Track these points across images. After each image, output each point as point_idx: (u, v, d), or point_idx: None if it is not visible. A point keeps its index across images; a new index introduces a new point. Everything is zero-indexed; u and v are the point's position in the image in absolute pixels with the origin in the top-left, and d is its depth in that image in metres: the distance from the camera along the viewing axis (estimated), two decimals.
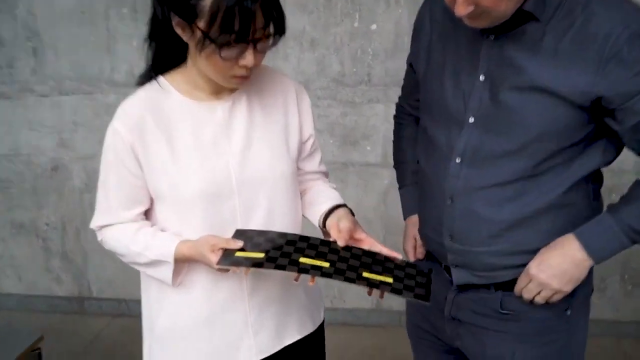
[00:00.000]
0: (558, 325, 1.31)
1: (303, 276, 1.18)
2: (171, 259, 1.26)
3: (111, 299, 3.49)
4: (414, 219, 1.58)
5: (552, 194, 1.23)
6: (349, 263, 1.22)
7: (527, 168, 1.21)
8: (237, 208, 1.30)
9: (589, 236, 1.22)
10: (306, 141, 1.45)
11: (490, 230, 1.26)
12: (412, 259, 1.57)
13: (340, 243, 1.25)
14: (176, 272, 1.30)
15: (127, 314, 3.43)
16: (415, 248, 1.57)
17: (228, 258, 1.20)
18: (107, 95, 3.18)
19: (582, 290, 1.30)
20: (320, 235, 1.40)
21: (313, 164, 1.50)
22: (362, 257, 1.24)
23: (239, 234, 1.26)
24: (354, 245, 1.28)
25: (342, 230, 1.27)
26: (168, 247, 1.27)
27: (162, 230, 1.32)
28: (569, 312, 1.32)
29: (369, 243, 1.29)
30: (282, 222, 1.36)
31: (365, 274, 1.19)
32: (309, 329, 1.48)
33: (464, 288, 1.38)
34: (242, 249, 1.22)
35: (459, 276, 1.36)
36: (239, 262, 1.19)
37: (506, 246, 1.28)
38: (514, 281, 1.31)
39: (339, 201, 1.42)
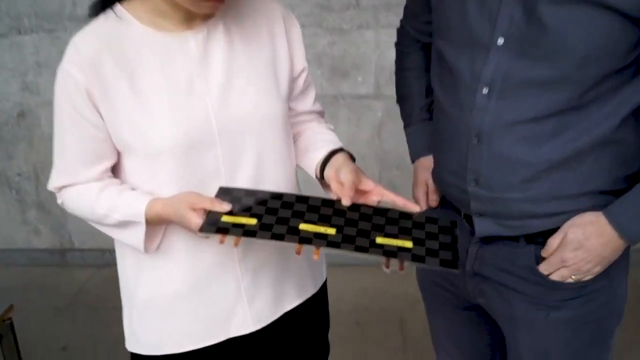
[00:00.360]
0: (598, 282, 1.14)
1: (306, 247, 0.99)
2: (142, 219, 1.07)
3: (94, 250, 3.32)
4: (425, 161, 1.38)
5: (598, 129, 1.04)
6: (359, 227, 1.02)
7: (570, 98, 1.01)
8: (220, 159, 1.10)
9: (624, 221, 1.06)
10: (298, 76, 1.23)
11: (525, 174, 1.07)
12: (423, 207, 1.38)
13: (346, 202, 1.06)
14: (150, 236, 1.11)
15: (112, 264, 3.22)
16: (427, 195, 1.38)
17: (213, 223, 1.00)
18: (71, 32, 2.87)
19: None
20: (318, 189, 1.20)
21: (306, 102, 1.28)
22: (373, 217, 1.05)
23: (224, 192, 1.06)
24: (361, 200, 1.09)
25: (344, 184, 1.08)
26: (138, 205, 1.07)
27: (133, 189, 1.11)
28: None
29: (378, 193, 1.09)
30: (274, 174, 1.17)
31: (380, 240, 1.00)
32: (310, 291, 1.30)
33: (487, 240, 1.20)
34: (229, 213, 1.02)
35: (483, 227, 1.18)
36: (226, 230, 0.99)
37: (543, 191, 1.09)
38: (547, 233, 1.12)
39: (336, 145, 1.22)
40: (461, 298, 1.33)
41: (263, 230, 0.99)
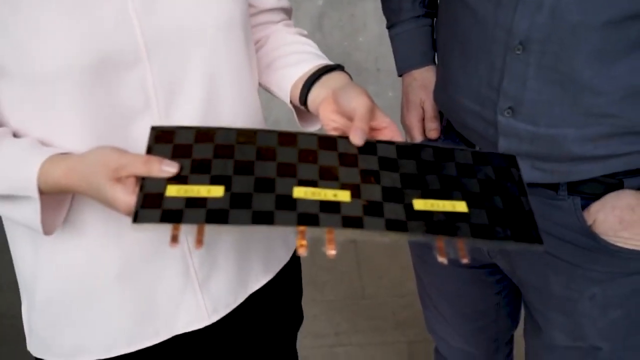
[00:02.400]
0: None
1: (310, 231, 0.60)
2: (34, 193, 0.68)
3: None
4: (420, 75, 1.03)
5: None
6: (383, 183, 0.65)
7: None
8: (150, 83, 0.71)
9: None
10: None
11: (591, 101, 0.74)
12: (417, 138, 1.03)
13: (358, 140, 0.67)
14: (50, 211, 0.72)
15: None
16: (422, 122, 1.02)
17: (153, 204, 0.60)
18: None
19: None
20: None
21: None
22: (399, 163, 0.67)
23: (161, 137, 0.66)
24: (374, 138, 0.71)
25: (356, 114, 0.69)
26: (25, 170, 0.67)
27: (16, 136, 0.72)
28: None
29: (392, 133, 0.71)
30: (232, 104, 0.78)
31: (419, 204, 0.63)
32: (282, 259, 0.95)
33: None
34: (178, 178, 0.63)
35: None
36: (178, 215, 0.60)
37: (610, 127, 0.78)
38: (595, 181, 0.83)
39: (324, 59, 0.83)
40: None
41: (238, 209, 0.60)
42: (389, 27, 1.06)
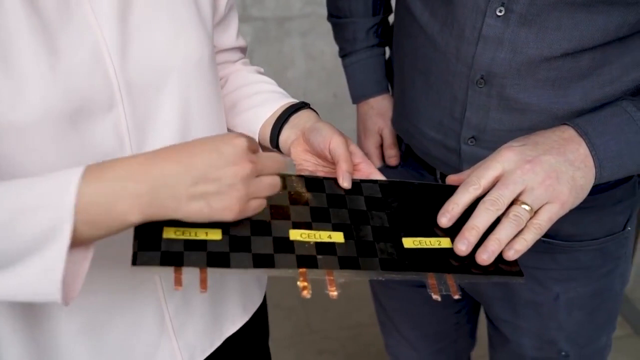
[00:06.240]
0: (618, 249, 0.91)
1: (310, 274, 0.60)
2: (66, 222, 0.52)
3: None
4: (376, 103, 1.04)
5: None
6: (373, 223, 0.66)
7: (620, 25, 0.72)
8: (123, 125, 0.68)
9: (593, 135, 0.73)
10: None
11: (549, 125, 0.78)
12: (376, 164, 1.04)
13: (345, 183, 0.70)
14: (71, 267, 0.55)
15: None
16: (380, 149, 1.04)
17: (151, 246, 0.57)
18: None
19: None
20: None
21: (229, 35, 0.87)
22: (385, 202, 0.69)
23: None
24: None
25: (339, 156, 0.71)
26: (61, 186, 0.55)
27: None
28: (629, 228, 0.91)
29: (366, 170, 0.74)
30: None
31: (408, 242, 0.65)
32: (256, 301, 0.93)
33: None
34: (172, 220, 0.57)
35: None
36: (176, 257, 0.57)
37: None
38: None
39: (289, 97, 0.84)
40: None
41: (238, 252, 0.59)
42: (342, 56, 1.08)
